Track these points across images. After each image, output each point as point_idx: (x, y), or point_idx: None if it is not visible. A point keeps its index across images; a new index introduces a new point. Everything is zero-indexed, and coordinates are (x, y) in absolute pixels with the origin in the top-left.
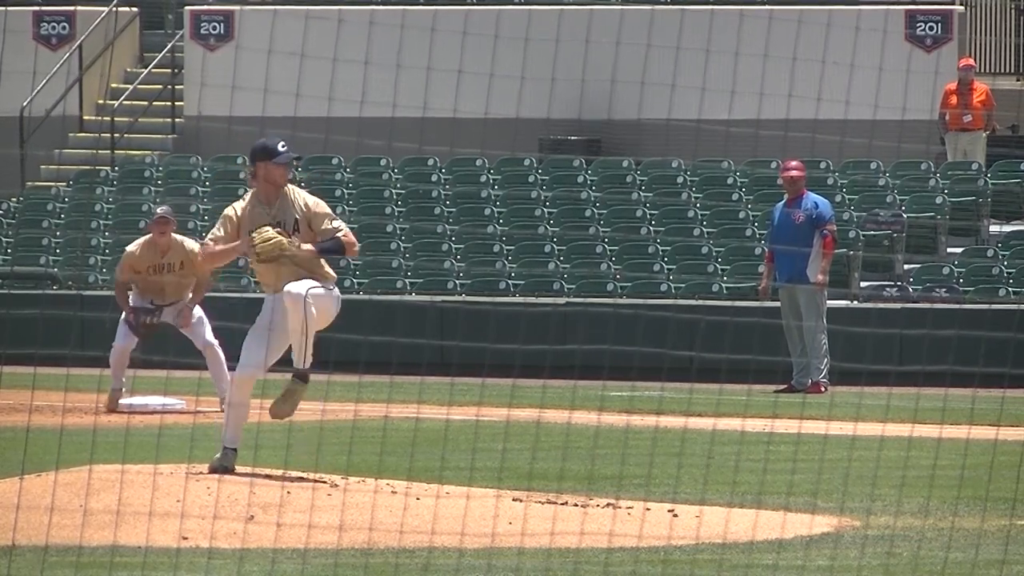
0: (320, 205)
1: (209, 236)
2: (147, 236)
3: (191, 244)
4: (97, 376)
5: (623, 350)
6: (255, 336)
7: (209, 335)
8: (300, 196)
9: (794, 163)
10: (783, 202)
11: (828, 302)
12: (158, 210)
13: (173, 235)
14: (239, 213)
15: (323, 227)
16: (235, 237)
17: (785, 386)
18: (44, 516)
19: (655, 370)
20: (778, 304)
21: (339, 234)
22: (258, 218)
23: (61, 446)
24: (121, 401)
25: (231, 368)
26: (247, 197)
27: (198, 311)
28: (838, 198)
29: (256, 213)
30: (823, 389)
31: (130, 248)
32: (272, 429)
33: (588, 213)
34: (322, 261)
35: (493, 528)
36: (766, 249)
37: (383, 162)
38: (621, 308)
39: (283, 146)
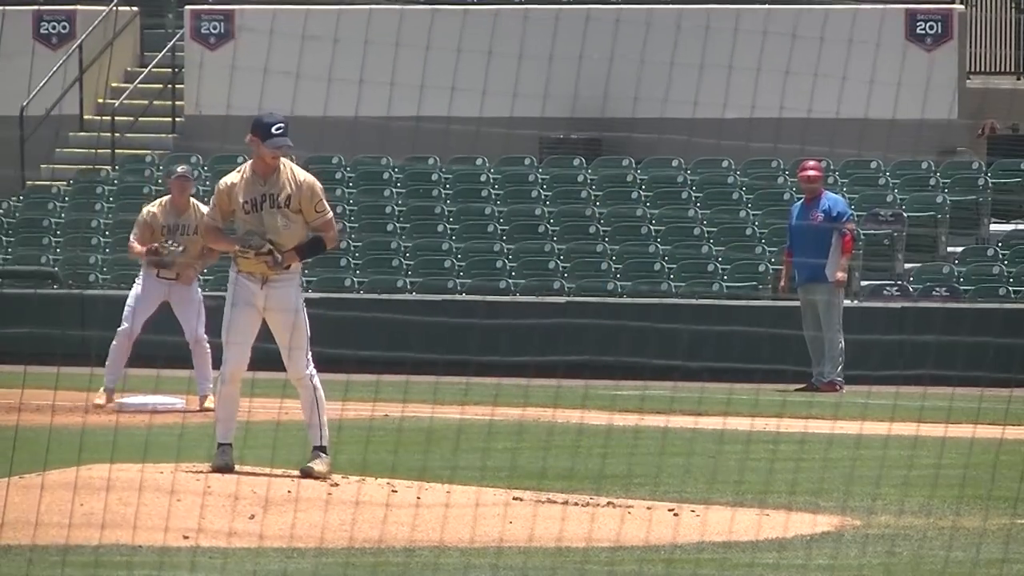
0: (313, 186)
1: (207, 215)
2: (164, 197)
3: (206, 210)
4: (88, 374)
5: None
6: (234, 328)
7: (201, 329)
8: (296, 172)
9: (811, 163)
10: (801, 202)
11: None
12: (178, 168)
13: (191, 198)
14: (231, 186)
15: (313, 210)
16: (228, 211)
17: (804, 385)
18: (33, 515)
19: (667, 369)
20: (779, 303)
21: (324, 219)
22: (252, 190)
23: (50, 445)
24: (118, 400)
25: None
26: (243, 167)
27: (199, 302)
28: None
29: (250, 184)
30: (838, 388)
31: (148, 208)
32: (271, 429)
33: (588, 212)
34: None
35: (502, 529)
36: (785, 248)
37: (383, 161)
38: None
39: (278, 129)
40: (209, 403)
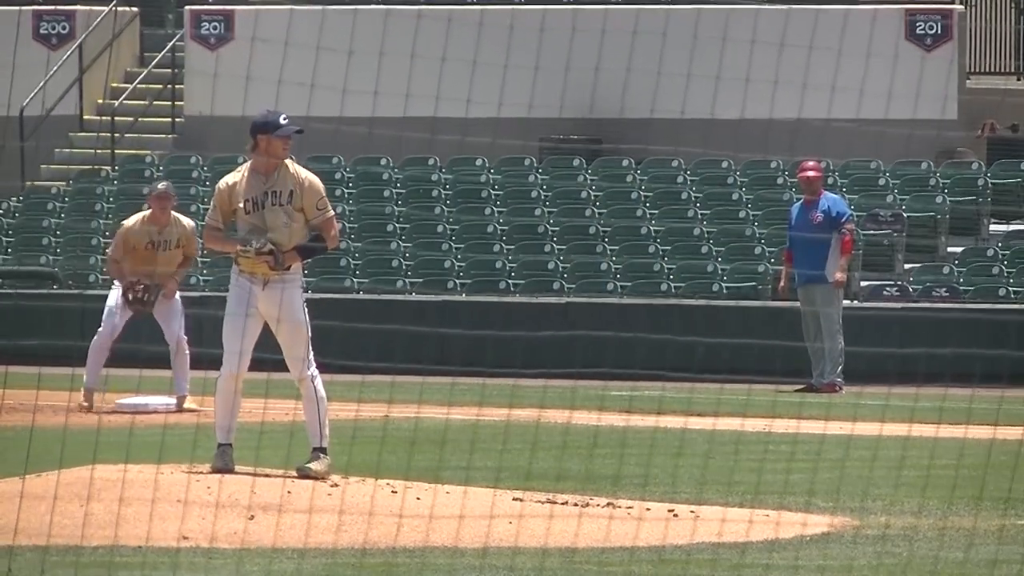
0: (315, 184)
1: (208, 217)
2: (145, 212)
3: (187, 222)
4: (104, 375)
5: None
6: (235, 328)
7: (182, 331)
8: (297, 170)
9: (811, 163)
10: (800, 202)
11: None
12: (159, 185)
13: (172, 212)
14: (232, 186)
15: (314, 208)
16: (229, 211)
17: (804, 386)
18: (45, 516)
19: (664, 370)
20: (780, 304)
21: (325, 218)
22: (253, 188)
23: (65, 446)
24: (119, 401)
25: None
26: (243, 168)
27: (178, 302)
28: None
29: (252, 183)
30: (838, 389)
31: (127, 223)
32: (273, 430)
33: (588, 212)
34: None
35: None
36: (785, 248)
37: (384, 161)
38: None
39: (285, 119)
40: (189, 403)
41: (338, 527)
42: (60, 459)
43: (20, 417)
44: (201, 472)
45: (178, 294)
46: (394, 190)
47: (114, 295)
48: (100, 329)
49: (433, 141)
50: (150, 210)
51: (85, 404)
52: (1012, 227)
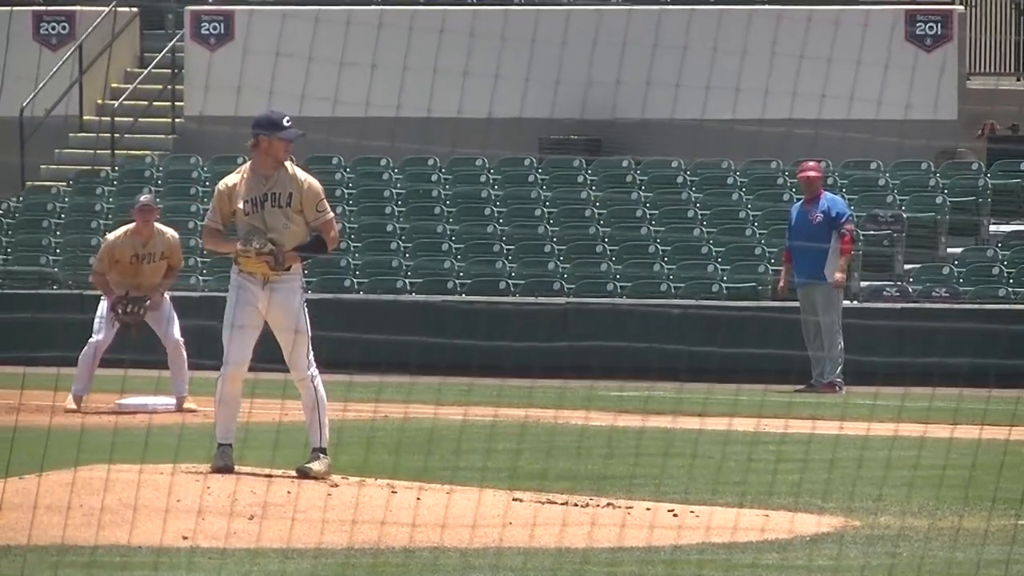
0: (314, 186)
1: (207, 218)
2: (129, 225)
3: (171, 233)
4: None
5: (629, 350)
6: (236, 328)
7: (176, 332)
8: (297, 172)
9: (811, 164)
10: (800, 202)
11: None
12: (141, 198)
13: (155, 224)
14: (231, 188)
15: (314, 210)
16: (229, 212)
17: (804, 386)
18: (29, 516)
19: (672, 370)
20: (780, 304)
21: (324, 219)
22: (253, 189)
23: (48, 446)
24: (120, 401)
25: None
26: (242, 169)
27: (169, 307)
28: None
29: (251, 184)
30: (837, 389)
31: (111, 236)
32: (274, 430)
33: (588, 213)
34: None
35: (502, 531)
36: (784, 248)
37: (383, 162)
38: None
39: (288, 121)
40: (188, 404)
41: (337, 527)
42: (76, 459)
43: (24, 417)
44: (201, 472)
45: (167, 295)
46: (394, 191)
47: (103, 305)
48: (91, 338)
49: (432, 141)
50: (134, 223)
51: (72, 407)
52: (1012, 227)
